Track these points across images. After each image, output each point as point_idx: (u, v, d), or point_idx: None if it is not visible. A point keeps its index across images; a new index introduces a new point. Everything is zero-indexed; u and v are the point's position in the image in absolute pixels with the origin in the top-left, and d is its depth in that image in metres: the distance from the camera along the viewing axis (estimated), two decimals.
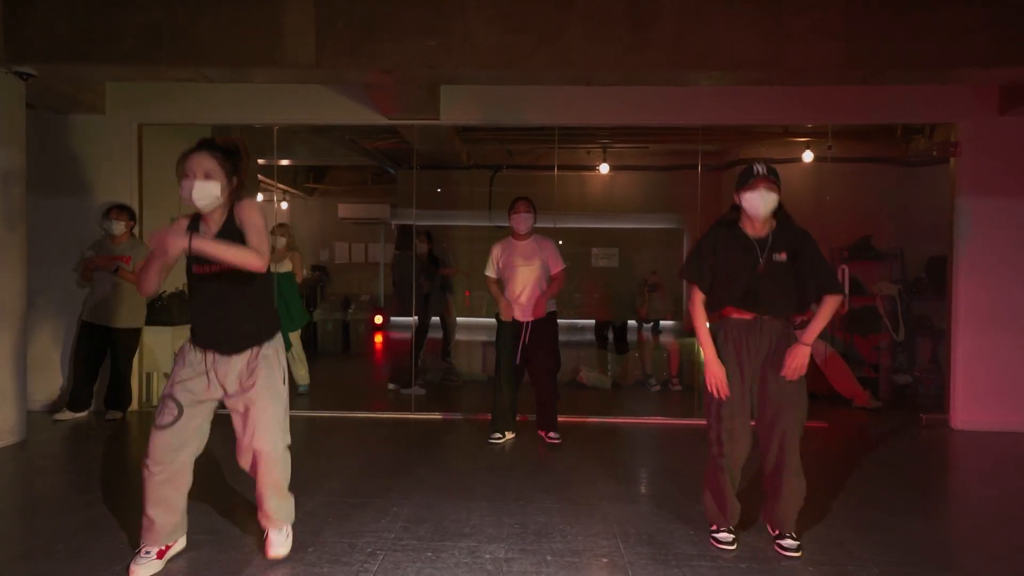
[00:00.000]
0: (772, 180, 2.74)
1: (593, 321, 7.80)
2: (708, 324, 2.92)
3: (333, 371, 8.11)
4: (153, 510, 2.56)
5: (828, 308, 2.79)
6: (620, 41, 4.19)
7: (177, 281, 6.18)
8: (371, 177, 10.68)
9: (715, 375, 2.81)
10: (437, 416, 5.52)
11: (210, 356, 2.55)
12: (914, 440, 5.03)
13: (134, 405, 5.53)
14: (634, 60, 4.21)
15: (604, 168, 7.98)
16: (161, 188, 6.00)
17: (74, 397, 5.26)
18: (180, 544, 2.72)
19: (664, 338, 7.44)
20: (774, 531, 2.92)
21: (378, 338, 10.97)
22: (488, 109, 5.55)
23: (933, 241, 6.44)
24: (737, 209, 2.87)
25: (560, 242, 8.08)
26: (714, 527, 2.97)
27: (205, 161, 2.47)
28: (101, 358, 5.31)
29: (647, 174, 8.46)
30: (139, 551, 2.59)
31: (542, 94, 5.43)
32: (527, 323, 4.59)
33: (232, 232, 2.51)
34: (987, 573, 2.75)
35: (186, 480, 2.62)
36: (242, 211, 2.52)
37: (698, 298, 2.91)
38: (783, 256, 2.81)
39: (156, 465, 2.51)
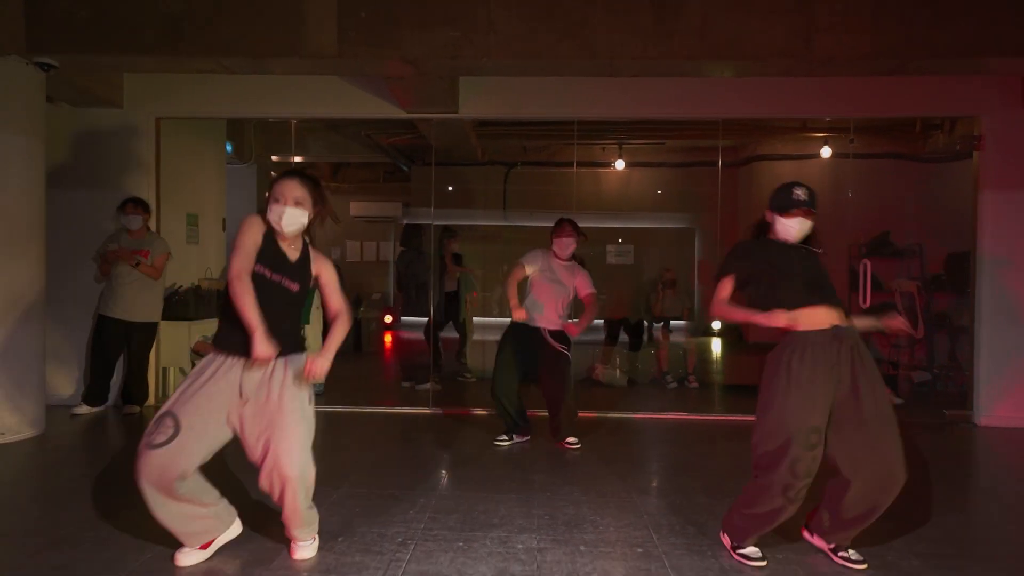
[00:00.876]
0: (811, 209, 2.61)
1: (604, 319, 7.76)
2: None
3: (346, 368, 8.05)
4: (168, 524, 2.46)
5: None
6: (645, 31, 4.15)
7: (193, 276, 6.17)
8: (383, 175, 10.65)
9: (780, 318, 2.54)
10: (458, 411, 5.49)
11: (240, 361, 2.44)
12: (939, 437, 4.97)
13: (151, 400, 5.51)
14: (659, 50, 4.17)
15: (620, 164, 7.94)
16: (176, 183, 5.99)
17: (91, 391, 5.24)
18: (230, 533, 2.63)
19: (680, 337, 7.39)
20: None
21: (388, 337, 10.94)
22: (508, 102, 5.52)
23: (952, 237, 6.38)
24: (766, 225, 2.72)
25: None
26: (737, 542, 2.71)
27: (296, 189, 2.52)
28: (118, 352, 5.29)
29: (663, 172, 8.42)
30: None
31: (562, 87, 5.39)
32: (545, 329, 4.42)
33: (305, 267, 2.60)
34: (1021, 564, 2.70)
35: (194, 492, 2.45)
36: (322, 266, 2.65)
37: (726, 293, 2.70)
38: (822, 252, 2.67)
39: (149, 487, 2.35)
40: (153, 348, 5.46)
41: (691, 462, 4.21)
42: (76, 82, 4.96)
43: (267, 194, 2.55)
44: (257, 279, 2.44)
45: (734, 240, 2.90)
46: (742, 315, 2.68)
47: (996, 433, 5.09)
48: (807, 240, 2.68)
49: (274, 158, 8.37)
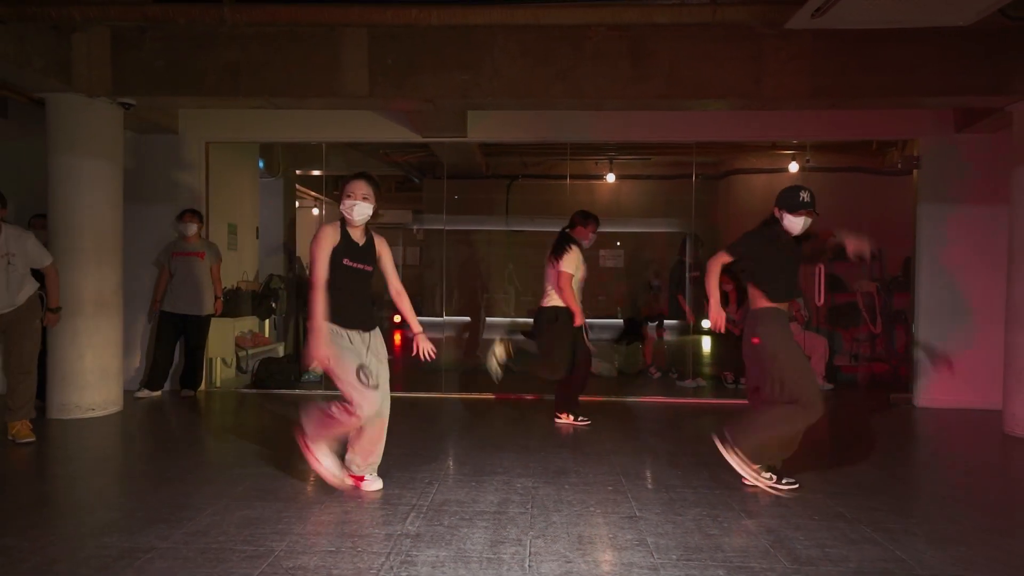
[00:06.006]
0: (813, 211, 3.40)
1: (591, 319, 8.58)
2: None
3: None
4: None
5: None
6: (623, 75, 5.00)
7: (233, 279, 7.04)
8: (395, 185, 11.52)
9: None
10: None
11: (355, 334, 3.31)
12: (882, 415, 5.81)
13: (203, 386, 6.37)
14: (635, 90, 5.03)
15: (611, 177, 8.81)
16: (219, 197, 6.85)
17: (152, 377, 6.10)
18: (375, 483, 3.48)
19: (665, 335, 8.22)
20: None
21: (397, 336, 11.76)
22: (509, 128, 6.39)
23: (908, 243, 7.20)
24: (773, 220, 3.51)
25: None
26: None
27: (364, 187, 3.30)
28: (176, 343, 6.16)
29: (650, 183, 9.29)
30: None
31: (556, 116, 6.25)
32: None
33: (371, 249, 3.40)
34: (920, 498, 3.55)
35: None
36: (383, 246, 3.46)
37: (723, 260, 3.54)
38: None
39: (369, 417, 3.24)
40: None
41: (660, 433, 5.06)
42: (142, 114, 5.83)
43: (339, 192, 3.39)
44: (347, 271, 3.28)
45: (714, 243, 3.81)
46: (711, 286, 3.51)
47: (931, 413, 5.93)
48: (806, 234, 3.51)
49: (299, 172, 9.26)
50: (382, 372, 3.38)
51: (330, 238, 3.28)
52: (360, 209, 3.29)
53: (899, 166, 6.50)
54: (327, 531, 2.90)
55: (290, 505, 3.23)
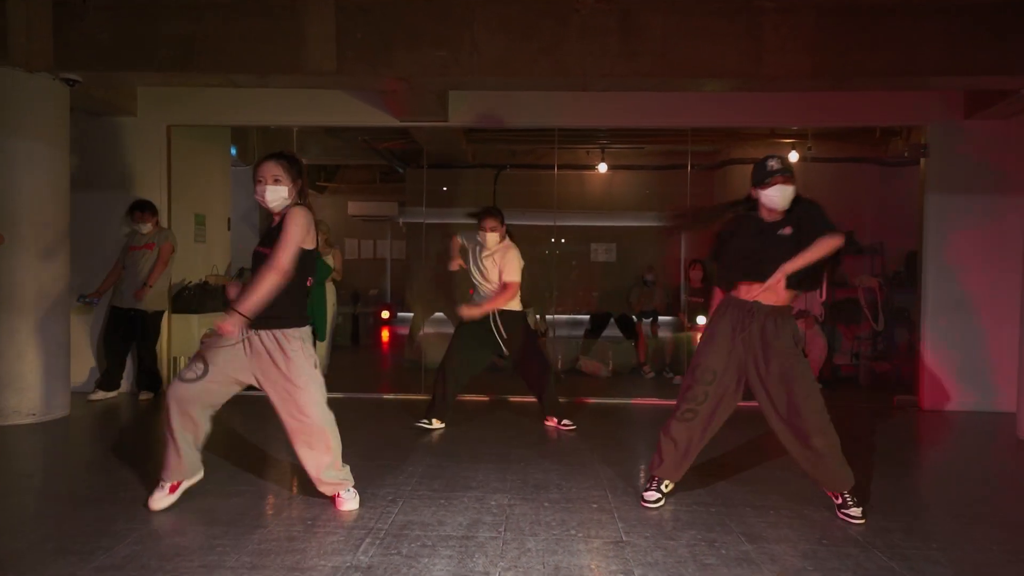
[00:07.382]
0: (787, 175, 2.91)
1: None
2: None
3: (345, 359, 8.51)
4: (176, 439, 2.91)
5: (818, 246, 2.85)
6: (612, 51, 4.61)
7: (200, 273, 6.62)
8: (379, 176, 11.10)
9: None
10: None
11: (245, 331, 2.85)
12: (887, 419, 5.45)
13: (163, 387, 5.95)
14: (625, 68, 4.63)
15: (603, 167, 8.41)
16: (185, 185, 6.43)
17: (106, 378, 5.68)
18: (194, 479, 3.06)
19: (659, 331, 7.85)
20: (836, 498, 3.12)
21: (385, 333, 11.38)
22: (493, 112, 5.98)
23: (911, 236, 6.86)
24: (752, 201, 3.03)
25: (562, 240, 8.50)
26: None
27: (273, 168, 2.87)
28: (129, 341, 5.72)
29: (644, 174, 8.89)
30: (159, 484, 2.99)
31: (542, 98, 5.85)
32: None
33: (280, 230, 2.87)
34: (938, 516, 3.18)
35: (200, 429, 2.96)
36: (286, 219, 2.84)
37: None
38: (787, 230, 2.95)
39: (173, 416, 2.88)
40: (164, 339, 5.90)
41: (652, 439, 4.67)
42: (95, 93, 5.39)
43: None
44: (257, 257, 2.89)
45: (706, 238, 3.40)
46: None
47: (937, 416, 5.57)
48: (793, 207, 2.96)
49: None
50: (297, 386, 2.91)
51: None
52: (273, 192, 2.86)
53: (905, 155, 6.13)
54: (264, 563, 2.51)
55: (229, 530, 2.83)
